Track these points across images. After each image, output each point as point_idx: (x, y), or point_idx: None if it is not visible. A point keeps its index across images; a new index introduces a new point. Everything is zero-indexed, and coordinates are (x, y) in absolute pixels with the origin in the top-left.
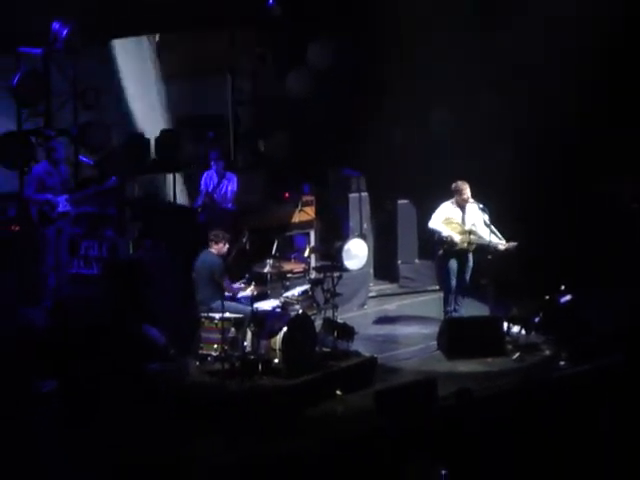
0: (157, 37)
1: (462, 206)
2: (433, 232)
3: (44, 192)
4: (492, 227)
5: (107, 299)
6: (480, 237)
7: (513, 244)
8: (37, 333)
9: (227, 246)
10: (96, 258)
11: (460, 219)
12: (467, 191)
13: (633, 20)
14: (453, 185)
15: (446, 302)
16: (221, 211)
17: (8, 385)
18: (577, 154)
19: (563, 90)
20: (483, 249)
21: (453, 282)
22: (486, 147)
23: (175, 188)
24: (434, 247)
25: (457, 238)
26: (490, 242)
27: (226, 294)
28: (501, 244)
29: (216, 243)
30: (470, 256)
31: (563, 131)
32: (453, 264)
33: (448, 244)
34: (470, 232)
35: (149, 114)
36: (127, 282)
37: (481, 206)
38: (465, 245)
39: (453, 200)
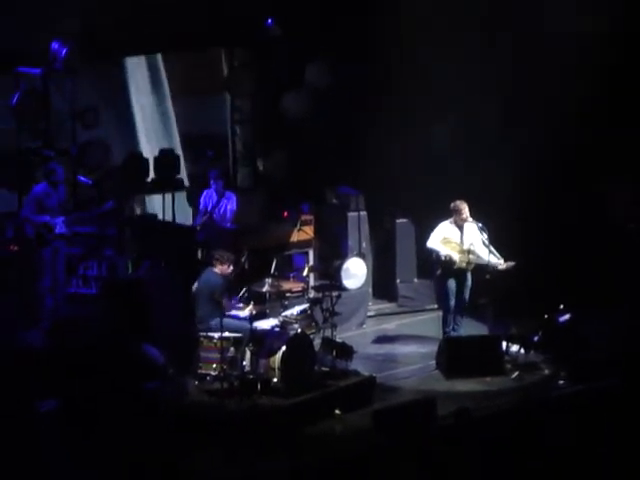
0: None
1: (460, 226)
2: (431, 251)
3: (42, 213)
4: (491, 247)
5: (106, 318)
6: (479, 257)
7: (511, 264)
8: (35, 353)
9: (231, 268)
10: (95, 277)
11: (459, 238)
12: (466, 211)
13: (633, 32)
14: (452, 205)
15: (445, 322)
16: (220, 230)
17: (7, 405)
18: (578, 172)
19: (563, 106)
20: (482, 268)
21: (452, 302)
22: (485, 165)
23: (174, 207)
24: (433, 266)
25: (456, 257)
26: (489, 262)
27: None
28: (500, 264)
29: (221, 263)
30: (469, 275)
31: (564, 149)
32: (452, 284)
33: (446, 264)
34: (469, 252)
35: (149, 133)
36: (126, 301)
37: (480, 225)
38: (464, 265)
39: (452, 220)
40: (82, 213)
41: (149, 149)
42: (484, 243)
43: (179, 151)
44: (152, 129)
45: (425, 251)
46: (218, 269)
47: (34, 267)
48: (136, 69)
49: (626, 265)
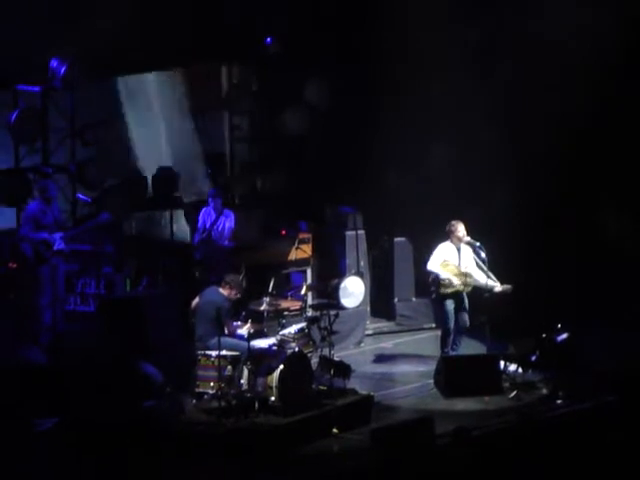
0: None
1: (458, 247)
2: (431, 273)
3: (39, 231)
4: (485, 268)
5: (103, 336)
6: (475, 280)
7: (508, 287)
8: (33, 370)
9: (239, 293)
10: (93, 295)
11: (457, 260)
12: (462, 230)
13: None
14: (447, 226)
15: (444, 343)
16: (218, 248)
17: (6, 423)
18: (576, 192)
19: (562, 126)
20: (479, 289)
21: (451, 324)
22: (483, 184)
23: (172, 225)
24: (430, 287)
25: (455, 281)
26: (486, 284)
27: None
28: (496, 286)
29: (230, 288)
30: (465, 297)
31: (561, 168)
32: (450, 306)
33: (445, 286)
34: (466, 274)
35: (149, 150)
36: (124, 319)
37: (478, 244)
38: (461, 287)
39: (449, 240)
40: (77, 227)
41: (147, 166)
42: (478, 265)
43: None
44: (153, 147)
45: (423, 271)
46: (226, 292)
47: (32, 284)
48: (129, 86)
49: (622, 284)
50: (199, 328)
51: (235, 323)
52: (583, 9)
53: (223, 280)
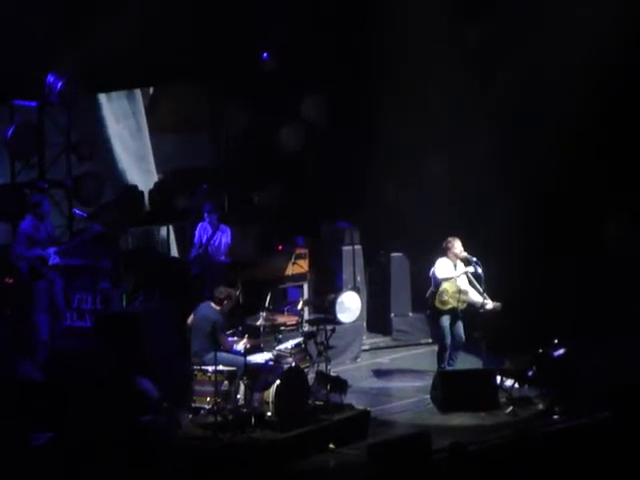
0: (151, 90)
1: (455, 263)
2: (438, 283)
3: (33, 247)
4: (479, 283)
5: (100, 352)
6: (470, 297)
7: (498, 304)
8: (30, 386)
9: (230, 305)
10: (89, 310)
11: (454, 278)
12: (458, 245)
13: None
14: (444, 243)
15: (440, 359)
16: (215, 263)
17: (2, 438)
18: (574, 204)
19: (562, 138)
20: (474, 305)
21: (448, 340)
22: (481, 200)
23: (169, 240)
24: (425, 304)
25: (452, 299)
26: (480, 301)
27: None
28: (487, 303)
29: (221, 301)
30: (461, 313)
31: (560, 182)
32: (446, 322)
33: (442, 303)
34: (462, 291)
35: (143, 166)
36: (120, 335)
37: (474, 260)
38: (458, 304)
39: (446, 256)
40: (70, 241)
41: (142, 182)
42: (471, 281)
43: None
44: (134, 162)
45: (421, 286)
46: (218, 306)
47: (29, 300)
48: (114, 102)
49: (622, 297)
50: (194, 343)
51: (231, 338)
52: (583, 9)
53: (213, 295)
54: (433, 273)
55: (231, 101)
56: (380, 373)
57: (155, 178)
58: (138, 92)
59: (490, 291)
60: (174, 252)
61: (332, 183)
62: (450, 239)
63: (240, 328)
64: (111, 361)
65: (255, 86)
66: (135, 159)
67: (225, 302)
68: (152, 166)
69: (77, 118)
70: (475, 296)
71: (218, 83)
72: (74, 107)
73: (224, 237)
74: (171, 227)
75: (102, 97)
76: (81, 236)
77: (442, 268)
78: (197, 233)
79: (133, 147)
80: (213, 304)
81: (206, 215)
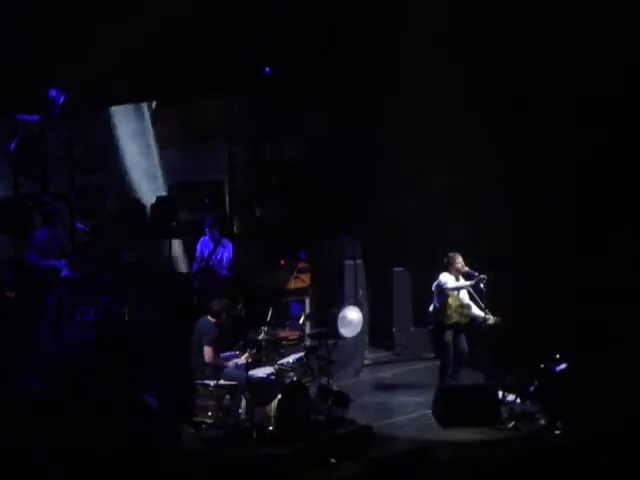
0: (154, 103)
1: (457, 278)
2: (448, 290)
3: (45, 257)
4: (480, 298)
5: (102, 365)
6: (473, 312)
7: (498, 319)
8: (33, 398)
9: (228, 314)
10: (92, 323)
11: (456, 292)
12: (460, 260)
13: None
14: (445, 258)
15: (443, 374)
16: (216, 277)
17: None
18: (576, 224)
19: (562, 154)
20: (475, 320)
21: (450, 354)
22: (483, 214)
23: (171, 254)
24: (427, 319)
25: (455, 313)
26: (484, 316)
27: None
28: (488, 318)
29: (217, 313)
30: (463, 328)
31: (562, 201)
32: (449, 336)
33: (447, 317)
34: (464, 306)
35: (146, 179)
36: (122, 347)
37: (476, 274)
38: (460, 319)
39: (448, 271)
40: (80, 252)
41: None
42: (472, 297)
43: None
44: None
45: (422, 301)
46: (214, 319)
47: (35, 312)
48: (122, 116)
49: (623, 315)
50: (192, 358)
51: (232, 353)
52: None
53: (209, 307)
54: (436, 288)
55: (233, 115)
56: (382, 388)
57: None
58: (145, 108)
59: (491, 306)
60: (183, 266)
61: (334, 197)
62: (451, 254)
63: (242, 342)
64: (113, 374)
65: (258, 99)
66: (144, 176)
67: (222, 314)
68: (161, 184)
69: (84, 132)
70: (477, 311)
71: (219, 97)
72: (77, 120)
73: (226, 252)
74: (180, 241)
75: (114, 110)
76: (87, 248)
77: (447, 278)
78: (199, 247)
79: (142, 164)
80: (210, 317)
81: (207, 230)
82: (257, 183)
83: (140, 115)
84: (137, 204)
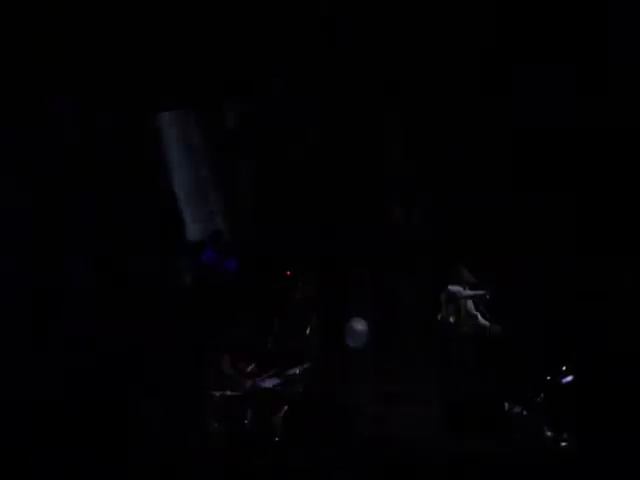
0: None
1: (464, 288)
2: (454, 296)
3: None
4: (483, 309)
5: (110, 370)
6: (478, 323)
7: (498, 328)
8: (40, 405)
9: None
10: None
11: (464, 302)
12: (465, 273)
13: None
14: (451, 269)
15: (449, 384)
16: (220, 289)
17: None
18: (579, 236)
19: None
20: (480, 330)
21: (457, 365)
22: (488, 224)
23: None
24: (434, 329)
25: (461, 323)
26: (487, 326)
27: None
28: (495, 329)
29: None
30: (469, 338)
31: (565, 213)
32: (455, 346)
33: (452, 327)
34: (470, 316)
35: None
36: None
37: (481, 287)
38: (467, 329)
39: (455, 282)
40: None
41: None
42: (478, 307)
43: None
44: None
45: (428, 311)
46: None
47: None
48: None
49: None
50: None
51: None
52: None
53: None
54: (444, 297)
55: (235, 126)
56: (388, 397)
57: None
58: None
59: (497, 317)
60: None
61: (340, 207)
62: (458, 265)
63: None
64: (120, 382)
65: (262, 110)
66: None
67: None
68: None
69: None
70: (482, 321)
71: (222, 107)
72: None
73: (230, 264)
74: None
75: None
76: None
77: (457, 291)
78: (203, 259)
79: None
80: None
81: (210, 242)
82: (260, 192)
83: None
84: None
